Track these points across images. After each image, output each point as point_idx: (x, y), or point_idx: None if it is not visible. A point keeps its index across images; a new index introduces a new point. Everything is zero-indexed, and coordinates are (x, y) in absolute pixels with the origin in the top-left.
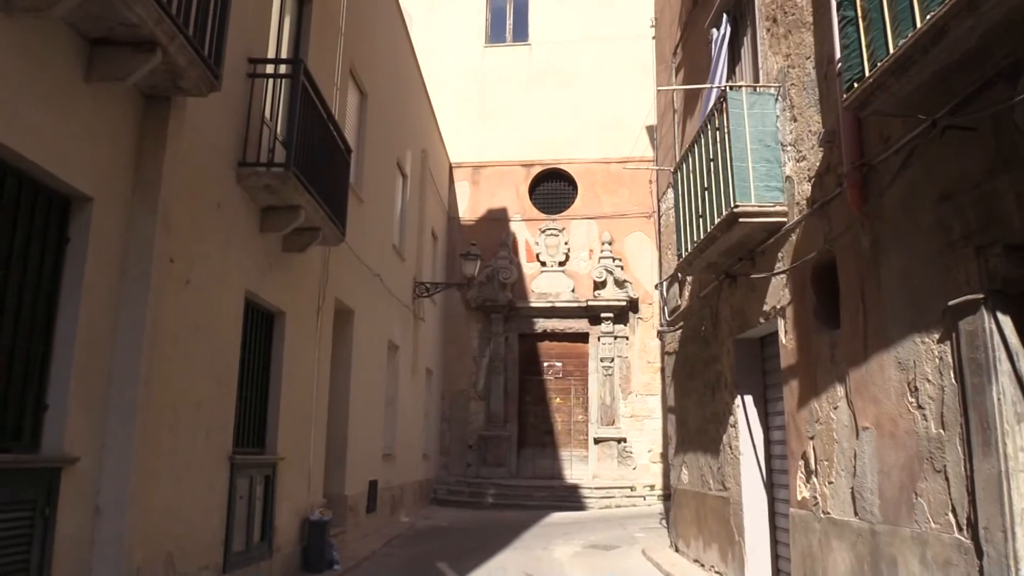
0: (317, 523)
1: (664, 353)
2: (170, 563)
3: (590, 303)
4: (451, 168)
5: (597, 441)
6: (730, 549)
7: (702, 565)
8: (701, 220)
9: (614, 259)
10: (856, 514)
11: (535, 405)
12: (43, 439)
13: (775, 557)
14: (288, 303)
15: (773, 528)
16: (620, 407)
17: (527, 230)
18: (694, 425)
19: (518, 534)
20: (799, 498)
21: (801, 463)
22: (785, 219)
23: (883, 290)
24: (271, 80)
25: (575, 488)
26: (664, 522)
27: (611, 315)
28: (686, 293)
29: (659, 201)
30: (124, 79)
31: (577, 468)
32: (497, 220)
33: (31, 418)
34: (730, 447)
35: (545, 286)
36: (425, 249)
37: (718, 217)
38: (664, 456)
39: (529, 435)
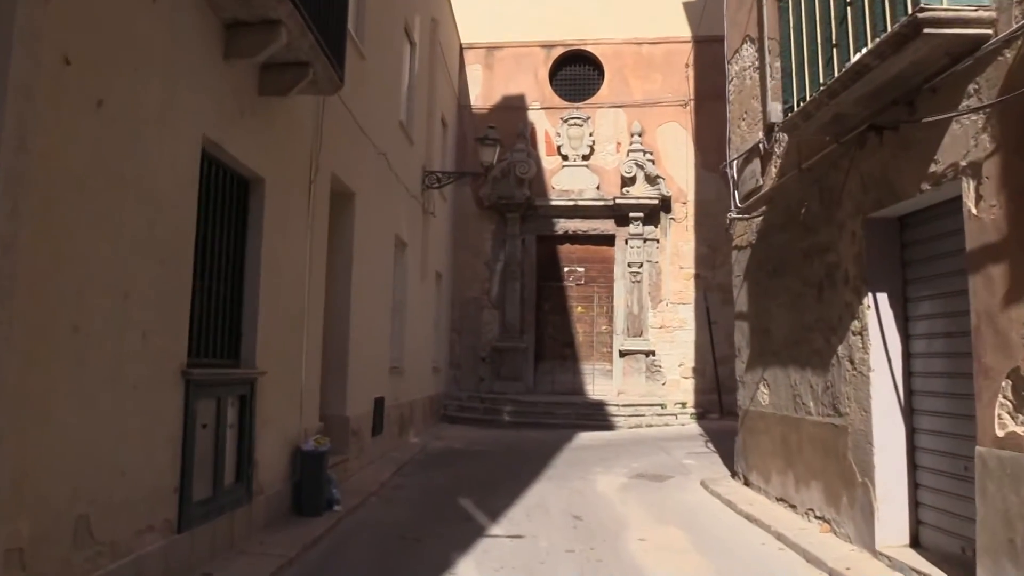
0: (312, 454)
1: (734, 248)
2: (84, 530)
3: (617, 201)
4: (462, 49)
5: (623, 354)
6: (846, 492)
7: (792, 506)
8: (837, 51)
9: (645, 152)
10: None
11: (554, 314)
12: None
13: (914, 505)
14: (268, 167)
15: (912, 468)
16: (648, 317)
17: (547, 120)
18: (781, 334)
19: (548, 460)
20: (1000, 434)
21: (1006, 384)
22: (991, 31)
23: None
24: None
25: (600, 405)
26: (710, 445)
27: (640, 215)
28: (773, 170)
29: (728, 63)
30: None
31: (600, 383)
32: (513, 108)
33: None
34: (850, 361)
35: (567, 182)
36: (435, 135)
37: (874, 38)
38: (696, 371)
39: (547, 347)
